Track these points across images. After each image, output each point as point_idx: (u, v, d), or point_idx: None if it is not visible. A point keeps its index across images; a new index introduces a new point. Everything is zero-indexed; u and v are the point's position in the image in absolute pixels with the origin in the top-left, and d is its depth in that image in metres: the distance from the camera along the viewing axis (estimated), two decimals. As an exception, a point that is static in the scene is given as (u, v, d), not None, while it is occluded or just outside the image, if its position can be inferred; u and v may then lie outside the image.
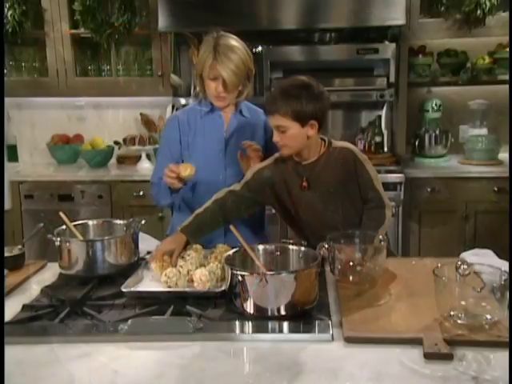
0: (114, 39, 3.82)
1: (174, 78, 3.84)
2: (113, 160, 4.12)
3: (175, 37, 3.82)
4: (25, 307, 1.66)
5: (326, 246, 1.75)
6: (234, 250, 1.76)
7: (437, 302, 1.51)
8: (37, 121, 4.31)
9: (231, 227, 1.76)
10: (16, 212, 3.81)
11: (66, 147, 4.14)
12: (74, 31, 3.89)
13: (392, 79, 3.80)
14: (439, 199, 3.65)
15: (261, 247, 1.76)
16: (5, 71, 4.05)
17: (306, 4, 3.60)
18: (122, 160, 4.08)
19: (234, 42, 2.22)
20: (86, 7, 3.75)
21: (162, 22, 3.64)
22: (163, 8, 3.63)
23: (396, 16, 3.56)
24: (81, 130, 4.25)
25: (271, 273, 1.57)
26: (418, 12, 3.72)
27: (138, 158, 3.98)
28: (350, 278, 1.78)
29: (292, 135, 2.02)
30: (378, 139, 4.00)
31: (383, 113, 4.13)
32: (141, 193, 3.71)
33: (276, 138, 2.05)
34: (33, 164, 4.23)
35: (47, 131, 4.27)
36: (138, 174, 3.79)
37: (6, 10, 3.80)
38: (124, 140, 3.98)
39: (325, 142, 2.14)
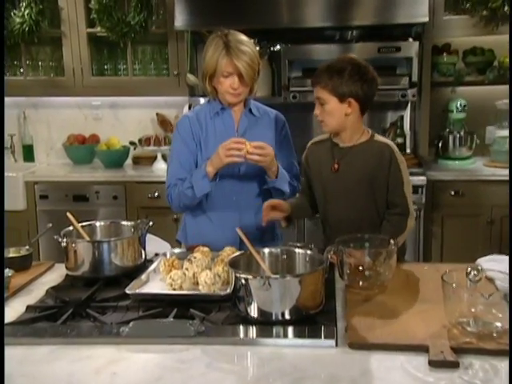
0: (131, 38, 3.88)
1: (191, 77, 3.87)
2: (128, 160, 4.18)
3: (192, 35, 3.85)
4: (29, 308, 1.70)
5: (334, 249, 1.76)
6: (239, 252, 1.78)
7: (445, 308, 1.51)
8: (53, 120, 4.38)
9: (237, 230, 1.78)
10: (31, 212, 3.89)
11: (81, 147, 4.21)
12: (90, 30, 3.95)
13: (415, 78, 3.79)
14: (463, 203, 3.62)
15: (266, 250, 1.77)
16: (21, 70, 4.13)
17: (328, 2, 3.61)
18: (137, 160, 4.14)
19: (243, 36, 2.27)
20: (103, 6, 3.81)
21: (179, 20, 3.68)
22: (180, 6, 3.67)
23: (419, 13, 3.55)
24: (97, 130, 4.32)
25: (275, 276, 1.59)
26: (443, 9, 3.70)
27: (153, 159, 4.02)
28: (360, 283, 1.79)
29: (330, 110, 2.13)
30: (400, 140, 3.98)
31: (406, 113, 4.11)
32: (156, 194, 3.75)
33: (316, 110, 2.17)
34: (48, 164, 4.30)
35: (63, 131, 4.34)
36: (153, 175, 3.84)
37: (22, 9, 3.88)
38: (139, 140, 4.03)
39: (368, 132, 2.22)
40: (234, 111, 2.36)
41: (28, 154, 4.32)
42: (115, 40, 3.89)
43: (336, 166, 2.21)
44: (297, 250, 1.76)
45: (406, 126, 4.12)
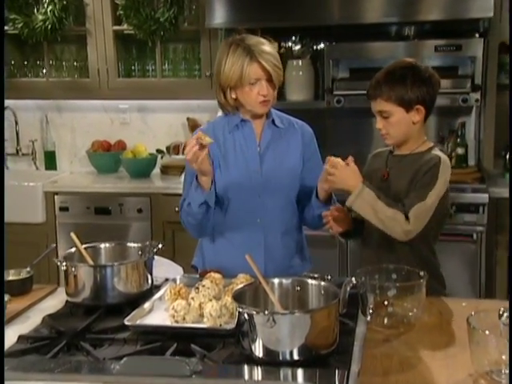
0: (160, 36, 3.97)
1: (225, 78, 3.92)
2: (156, 169, 4.26)
3: (226, 33, 3.90)
4: (20, 338, 1.77)
5: (355, 281, 1.77)
6: (247, 282, 1.81)
7: (472, 355, 1.49)
8: (78, 125, 4.52)
9: (247, 257, 1.81)
10: (50, 225, 4.02)
11: (106, 155, 4.32)
12: (116, 28, 4.07)
13: (478, 81, 3.73)
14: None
15: (276, 281, 1.79)
16: (44, 71, 4.29)
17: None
18: (165, 170, 4.21)
19: (260, 38, 2.32)
20: (130, 1, 3.92)
21: (212, 16, 3.74)
22: (213, 1, 3.72)
23: (484, 7, 3.50)
24: (124, 136, 4.42)
25: (281, 312, 1.60)
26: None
27: (182, 169, 4.07)
28: (385, 320, 1.79)
29: (396, 122, 2.16)
30: (460, 151, 3.93)
31: (468, 120, 4.05)
32: (184, 208, 3.80)
33: (379, 124, 2.20)
34: (71, 172, 4.44)
35: (88, 136, 4.47)
36: (181, 187, 3.87)
37: (45, 5, 4.03)
38: (167, 148, 4.11)
39: (428, 143, 2.27)
40: (255, 123, 2.38)
41: (50, 161, 4.47)
42: (143, 38, 3.99)
43: (386, 174, 2.27)
44: (310, 281, 1.78)
45: (469, 135, 4.06)
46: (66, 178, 4.32)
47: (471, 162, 4.03)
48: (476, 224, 3.52)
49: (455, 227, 3.46)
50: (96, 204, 3.97)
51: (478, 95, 3.74)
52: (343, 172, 2.13)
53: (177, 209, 3.77)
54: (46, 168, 4.49)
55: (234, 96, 2.33)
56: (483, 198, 3.51)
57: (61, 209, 4.00)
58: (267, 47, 2.29)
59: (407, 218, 2.09)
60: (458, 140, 3.95)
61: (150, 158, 4.22)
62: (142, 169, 4.17)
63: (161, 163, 4.27)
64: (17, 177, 4.24)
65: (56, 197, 4.01)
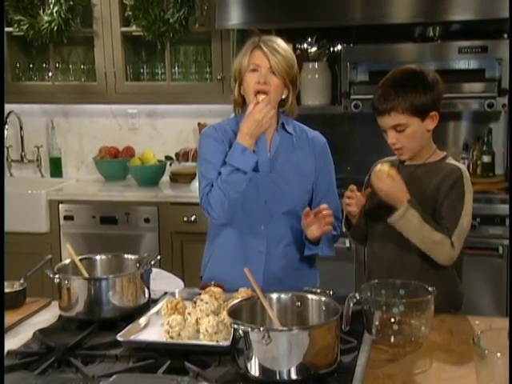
0: (169, 38, 4.00)
1: (237, 82, 3.95)
2: (166, 177, 4.29)
3: (239, 34, 3.92)
4: (9, 354, 1.79)
5: (359, 297, 1.77)
6: (245, 297, 1.82)
7: (478, 376, 1.48)
8: (85, 130, 4.57)
9: (245, 270, 1.81)
10: (54, 235, 4.05)
11: (113, 162, 4.36)
12: (124, 29, 4.11)
13: (505, 84, 3.70)
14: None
15: (275, 296, 1.80)
16: (49, 74, 4.35)
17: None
18: (175, 178, 4.24)
19: (278, 37, 2.36)
20: (138, 2, 3.96)
21: (224, 17, 3.76)
22: (225, 1, 3.74)
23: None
24: (133, 142, 4.46)
25: (279, 328, 1.61)
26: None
27: (192, 176, 4.09)
28: (392, 338, 1.78)
29: (412, 133, 2.17)
30: (486, 159, 3.90)
31: (495, 126, 4.02)
32: (193, 217, 3.82)
33: (392, 139, 2.20)
34: (77, 180, 4.48)
35: (96, 142, 4.52)
36: (191, 196, 3.88)
37: (51, 6, 4.09)
38: (176, 155, 4.14)
39: (440, 152, 2.29)
40: None
41: (56, 168, 4.52)
42: (152, 40, 4.03)
43: None
44: (310, 297, 1.78)
45: (497, 142, 4.03)
46: (72, 185, 4.37)
47: (498, 170, 4.00)
48: (502, 237, 3.49)
49: (480, 240, 3.43)
50: (102, 213, 4.00)
51: (505, 100, 3.71)
52: (390, 186, 2.14)
53: (185, 218, 3.84)
54: (52, 175, 4.54)
55: (242, 92, 2.37)
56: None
57: (65, 218, 4.03)
58: (279, 41, 2.33)
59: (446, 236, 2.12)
60: (484, 147, 3.93)
61: (159, 165, 4.25)
62: (150, 176, 4.19)
63: (170, 170, 4.30)
64: (21, 184, 4.30)
65: (60, 205, 4.05)
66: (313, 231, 2.29)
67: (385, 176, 2.14)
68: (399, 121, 2.16)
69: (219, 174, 2.29)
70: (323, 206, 2.25)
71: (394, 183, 2.14)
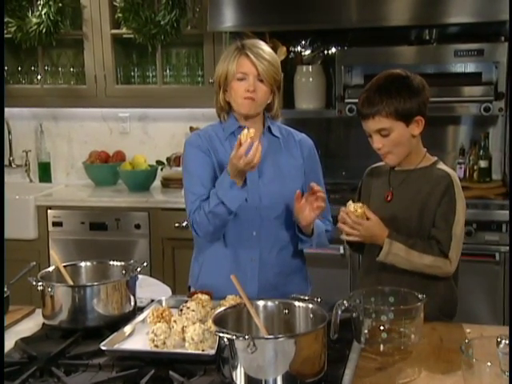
0: (160, 40, 4.00)
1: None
2: (157, 182, 4.29)
3: (231, 37, 3.93)
4: (-11, 363, 1.80)
5: (347, 304, 1.77)
6: (231, 305, 1.82)
7: (466, 385, 1.49)
8: (74, 135, 4.57)
9: (232, 277, 1.81)
10: (43, 241, 4.05)
11: (103, 167, 4.37)
12: (114, 31, 4.12)
13: (502, 88, 3.72)
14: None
15: (261, 303, 1.80)
16: (38, 77, 4.35)
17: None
18: (166, 183, 4.24)
19: (260, 40, 2.39)
20: (129, 3, 3.96)
21: (217, 19, 3.77)
22: (217, 3, 3.75)
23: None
24: (123, 146, 4.47)
25: (264, 336, 1.61)
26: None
27: (183, 181, 4.10)
28: (380, 346, 1.79)
29: (396, 138, 2.18)
30: (483, 164, 3.91)
31: (492, 130, 4.03)
32: (184, 223, 3.81)
33: (377, 144, 2.21)
34: (67, 185, 4.48)
35: (86, 147, 4.52)
36: (182, 201, 3.87)
37: (40, 7, 4.09)
38: (168, 160, 4.14)
39: (430, 157, 2.29)
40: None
41: (44, 173, 4.51)
42: (143, 43, 4.03)
43: (390, 194, 2.28)
44: (297, 304, 1.78)
45: (494, 147, 4.03)
46: (61, 191, 4.36)
47: (496, 175, 4.01)
48: (499, 243, 3.49)
49: (476, 246, 3.44)
50: (91, 219, 4.00)
51: (501, 104, 3.72)
52: (368, 229, 2.15)
53: (177, 224, 3.84)
54: (40, 180, 4.54)
55: (226, 98, 2.37)
56: (507, 215, 3.48)
57: (54, 224, 4.03)
58: (264, 47, 2.35)
59: (444, 254, 2.15)
60: (481, 152, 3.93)
61: (150, 170, 4.25)
62: (140, 181, 4.20)
63: (161, 175, 4.30)
64: (9, 189, 4.27)
65: (49, 211, 4.05)
66: (306, 217, 2.28)
67: (362, 219, 2.15)
68: (383, 125, 2.17)
69: (207, 198, 2.31)
70: (313, 183, 2.25)
71: (372, 223, 2.15)
